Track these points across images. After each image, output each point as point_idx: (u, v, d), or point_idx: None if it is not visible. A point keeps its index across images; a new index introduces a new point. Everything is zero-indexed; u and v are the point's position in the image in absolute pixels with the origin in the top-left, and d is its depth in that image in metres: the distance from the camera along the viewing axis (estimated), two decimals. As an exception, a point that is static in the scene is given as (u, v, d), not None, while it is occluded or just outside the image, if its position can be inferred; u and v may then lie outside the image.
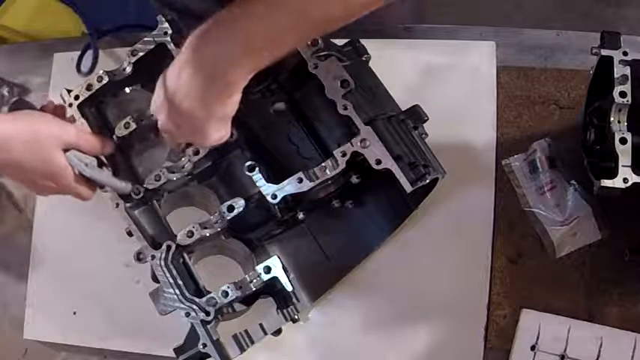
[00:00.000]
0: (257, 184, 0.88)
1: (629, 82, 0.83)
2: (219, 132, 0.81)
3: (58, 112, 0.92)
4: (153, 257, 0.91)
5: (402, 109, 0.93)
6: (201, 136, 0.81)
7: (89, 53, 1.14)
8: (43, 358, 1.09)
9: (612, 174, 0.81)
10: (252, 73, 0.76)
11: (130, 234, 0.93)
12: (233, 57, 0.74)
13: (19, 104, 0.90)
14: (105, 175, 0.91)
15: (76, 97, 0.95)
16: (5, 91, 1.17)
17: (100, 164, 0.91)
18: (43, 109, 0.91)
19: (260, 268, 0.90)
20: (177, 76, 0.77)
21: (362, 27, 1.11)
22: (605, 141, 0.86)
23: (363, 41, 0.98)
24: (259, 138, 0.98)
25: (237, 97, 0.78)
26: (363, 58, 0.98)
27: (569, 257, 0.96)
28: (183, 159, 0.92)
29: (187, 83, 0.76)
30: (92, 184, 0.91)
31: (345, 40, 0.99)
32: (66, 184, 0.88)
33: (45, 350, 1.09)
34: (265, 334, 0.93)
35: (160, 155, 0.96)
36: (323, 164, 0.87)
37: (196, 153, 0.91)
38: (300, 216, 0.96)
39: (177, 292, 0.89)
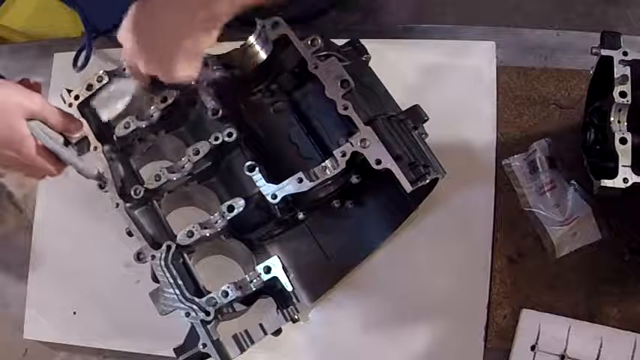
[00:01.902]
0: (257, 184, 0.88)
1: (629, 82, 0.83)
2: (188, 68, 0.79)
3: (33, 89, 0.89)
4: (153, 257, 0.91)
5: (402, 109, 0.93)
6: (169, 67, 0.78)
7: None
8: (43, 358, 1.09)
9: (612, 174, 0.81)
10: (238, 9, 0.75)
11: (130, 234, 0.93)
12: None
13: None
14: (68, 153, 0.88)
15: (76, 97, 0.94)
16: None
17: (67, 144, 0.89)
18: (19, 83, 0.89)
19: (260, 268, 0.90)
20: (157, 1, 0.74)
21: (362, 27, 1.11)
22: (605, 141, 0.86)
23: (363, 41, 0.98)
24: (259, 138, 0.98)
25: (215, 33, 0.76)
26: (363, 58, 0.98)
27: (569, 257, 0.96)
28: (183, 159, 0.92)
29: (169, 10, 0.74)
30: (58, 160, 0.88)
31: (345, 40, 0.99)
32: (27, 153, 0.85)
33: (45, 350, 1.09)
34: (265, 334, 0.93)
35: (160, 155, 0.96)
36: (323, 164, 0.87)
37: (196, 153, 0.91)
38: (300, 216, 0.96)
39: (177, 292, 0.89)
